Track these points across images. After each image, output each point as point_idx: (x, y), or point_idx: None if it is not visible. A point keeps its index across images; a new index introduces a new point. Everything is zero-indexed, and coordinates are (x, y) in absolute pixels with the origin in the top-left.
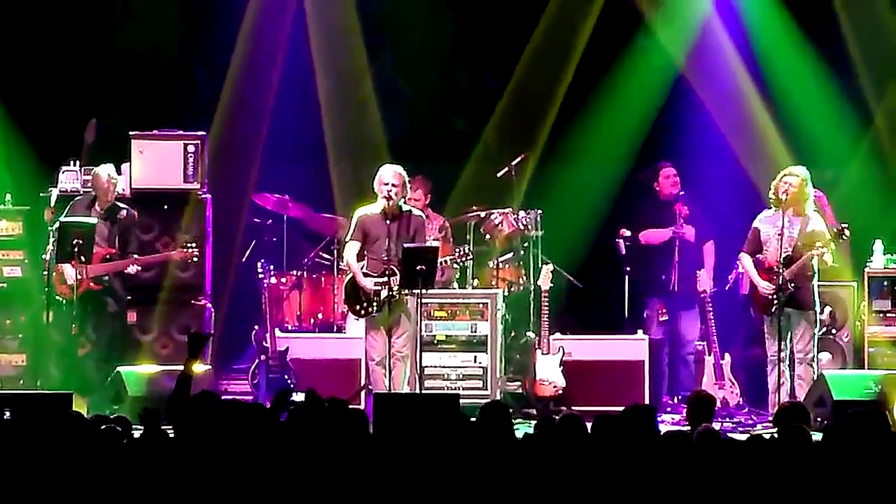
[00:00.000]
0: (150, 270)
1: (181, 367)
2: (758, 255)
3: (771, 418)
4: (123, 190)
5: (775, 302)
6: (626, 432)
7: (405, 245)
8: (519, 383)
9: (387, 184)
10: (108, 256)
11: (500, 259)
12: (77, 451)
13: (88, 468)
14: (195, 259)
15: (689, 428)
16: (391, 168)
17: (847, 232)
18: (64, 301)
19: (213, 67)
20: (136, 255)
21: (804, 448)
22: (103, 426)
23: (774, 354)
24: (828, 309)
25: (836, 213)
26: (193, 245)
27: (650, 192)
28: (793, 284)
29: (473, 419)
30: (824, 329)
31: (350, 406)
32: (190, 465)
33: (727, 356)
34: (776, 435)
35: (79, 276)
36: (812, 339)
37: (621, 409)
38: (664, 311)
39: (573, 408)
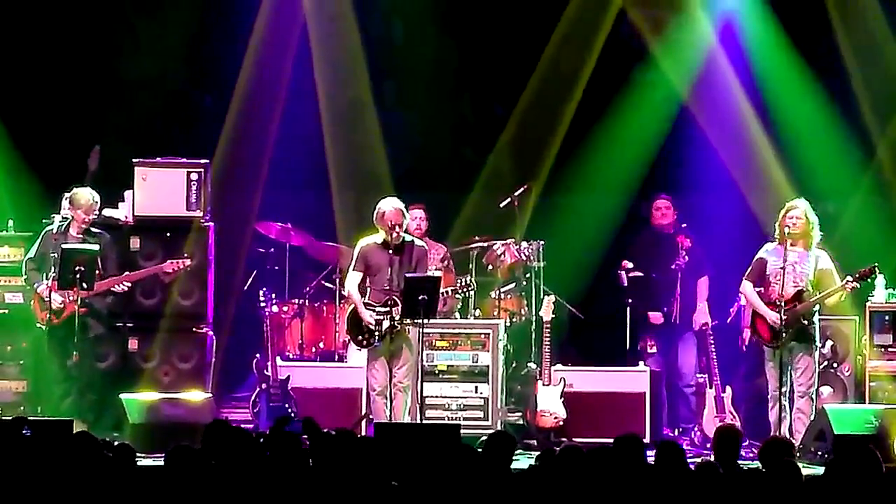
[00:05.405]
0: (152, 297)
1: (181, 395)
2: (758, 288)
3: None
4: (126, 217)
5: (783, 335)
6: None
7: (407, 274)
8: (520, 414)
9: (389, 217)
10: None
11: (502, 289)
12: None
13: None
14: (187, 266)
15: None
16: (392, 202)
17: (877, 271)
18: (45, 328)
19: (217, 96)
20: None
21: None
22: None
23: (776, 389)
24: (829, 343)
25: (837, 247)
26: (186, 255)
27: (647, 224)
28: (804, 320)
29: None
30: (826, 363)
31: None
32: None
33: (728, 389)
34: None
35: (62, 301)
36: (814, 373)
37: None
38: (652, 343)
39: (574, 439)
